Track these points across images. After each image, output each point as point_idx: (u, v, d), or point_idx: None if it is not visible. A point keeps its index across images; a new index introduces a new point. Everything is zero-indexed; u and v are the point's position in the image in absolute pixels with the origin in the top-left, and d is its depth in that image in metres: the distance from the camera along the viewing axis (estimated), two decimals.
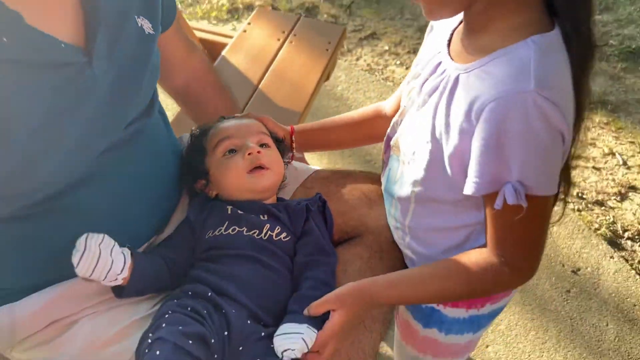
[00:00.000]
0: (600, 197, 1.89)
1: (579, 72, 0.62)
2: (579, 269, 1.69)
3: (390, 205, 0.84)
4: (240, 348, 0.70)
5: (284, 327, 0.69)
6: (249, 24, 1.71)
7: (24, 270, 0.75)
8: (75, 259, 0.67)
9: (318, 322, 0.70)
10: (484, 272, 0.70)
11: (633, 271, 1.67)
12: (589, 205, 1.86)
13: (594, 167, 2.00)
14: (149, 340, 0.65)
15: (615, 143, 2.08)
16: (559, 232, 1.75)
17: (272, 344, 0.68)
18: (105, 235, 0.70)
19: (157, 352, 0.63)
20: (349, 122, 0.97)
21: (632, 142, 2.08)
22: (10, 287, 0.75)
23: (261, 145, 0.84)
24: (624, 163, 2.01)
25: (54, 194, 0.70)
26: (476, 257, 0.71)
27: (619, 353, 1.49)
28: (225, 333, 0.69)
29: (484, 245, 0.72)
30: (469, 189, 0.65)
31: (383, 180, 0.86)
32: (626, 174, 1.98)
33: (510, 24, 0.62)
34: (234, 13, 2.69)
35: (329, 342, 0.70)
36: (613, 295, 1.61)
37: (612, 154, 2.05)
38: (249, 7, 2.68)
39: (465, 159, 0.65)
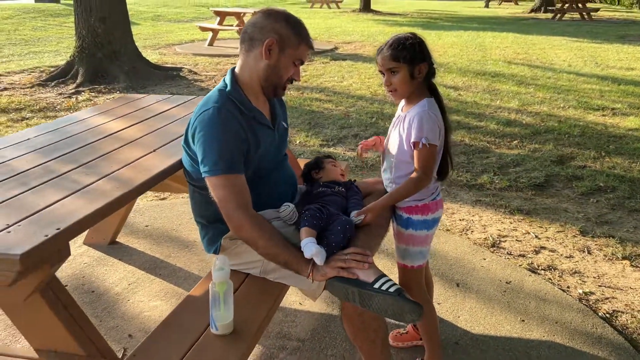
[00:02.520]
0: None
1: (441, 108, 1.83)
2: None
3: (385, 172, 1.95)
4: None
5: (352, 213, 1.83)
6: None
7: (258, 203, 1.72)
8: (282, 210, 1.77)
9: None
10: (415, 178, 1.78)
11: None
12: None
13: None
14: (304, 210, 1.74)
15: None
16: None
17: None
18: (289, 204, 1.79)
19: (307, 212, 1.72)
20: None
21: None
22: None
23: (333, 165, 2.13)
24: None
25: (269, 170, 1.85)
26: (413, 175, 1.80)
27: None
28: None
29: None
30: (414, 140, 1.77)
31: (382, 167, 1.99)
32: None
33: (417, 99, 1.82)
34: None
35: (370, 215, 1.82)
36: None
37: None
38: None
39: (409, 140, 1.79)
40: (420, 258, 1.94)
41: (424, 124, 1.74)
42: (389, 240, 2.30)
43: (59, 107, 6.17)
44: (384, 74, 1.80)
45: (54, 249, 1.28)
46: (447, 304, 2.49)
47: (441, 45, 11.93)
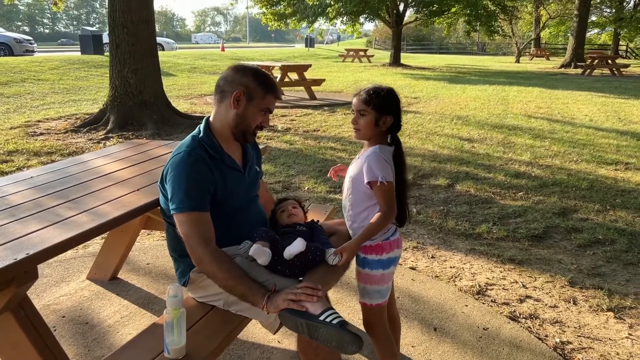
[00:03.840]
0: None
1: (400, 166, 1.98)
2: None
3: (344, 209, 2.08)
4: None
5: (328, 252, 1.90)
6: None
7: (226, 240, 1.90)
8: (242, 247, 1.90)
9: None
10: (382, 214, 1.91)
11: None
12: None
13: None
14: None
15: None
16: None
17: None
18: (248, 241, 1.91)
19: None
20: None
21: None
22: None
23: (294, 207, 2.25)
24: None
25: (237, 209, 2.00)
26: (378, 211, 1.93)
27: None
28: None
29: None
30: (367, 179, 1.91)
31: (342, 208, 2.11)
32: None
33: (373, 144, 1.98)
34: None
35: (346, 255, 1.91)
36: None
37: None
38: None
39: (362, 180, 1.92)
40: (378, 297, 2.03)
41: (377, 164, 1.90)
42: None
43: (87, 151, 6.55)
44: (354, 113, 1.99)
45: (21, 271, 1.44)
46: (421, 348, 2.53)
47: (464, 98, 12.11)
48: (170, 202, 1.82)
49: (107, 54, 20.22)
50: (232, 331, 1.81)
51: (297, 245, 1.80)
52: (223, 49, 32.57)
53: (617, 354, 2.50)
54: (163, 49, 29.18)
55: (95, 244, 3.77)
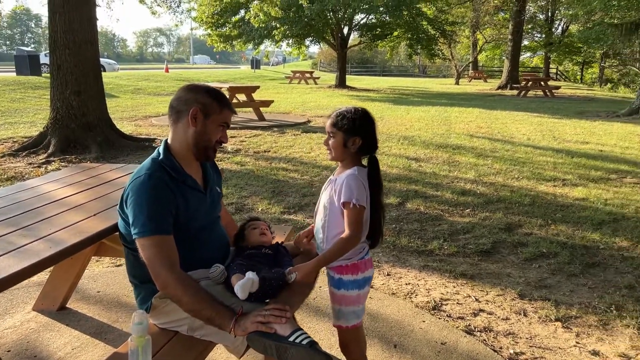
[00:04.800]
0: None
1: (377, 188, 1.99)
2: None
3: (317, 232, 2.07)
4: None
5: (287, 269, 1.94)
6: None
7: (188, 262, 1.86)
8: (213, 271, 1.88)
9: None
10: (344, 238, 1.91)
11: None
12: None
13: None
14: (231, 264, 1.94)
15: None
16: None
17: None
18: (220, 265, 1.92)
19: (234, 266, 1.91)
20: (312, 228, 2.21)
21: None
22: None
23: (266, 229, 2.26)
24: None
25: (199, 231, 1.96)
26: (342, 235, 1.92)
27: None
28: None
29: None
30: (343, 199, 1.93)
31: (315, 230, 2.11)
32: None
33: (350, 165, 2.00)
34: None
35: (299, 274, 1.92)
36: None
37: None
38: None
39: (339, 201, 1.94)
40: (354, 318, 2.03)
41: (352, 186, 1.91)
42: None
43: (27, 176, 6.27)
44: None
45: None
46: None
47: (408, 119, 12.46)
48: (132, 227, 1.78)
49: (45, 75, 19.53)
50: (197, 357, 1.77)
51: (247, 281, 1.76)
52: (167, 70, 32.12)
53: None
54: (104, 70, 28.44)
55: (41, 273, 3.59)
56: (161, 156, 1.91)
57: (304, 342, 1.62)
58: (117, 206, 1.92)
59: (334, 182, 2.01)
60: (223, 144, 2.02)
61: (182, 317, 1.85)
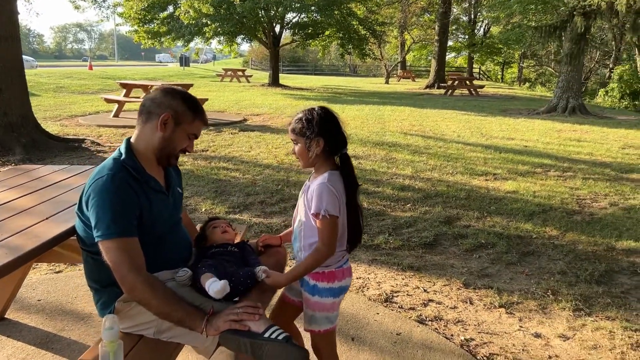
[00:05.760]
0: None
1: (351, 187, 1.91)
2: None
3: (295, 240, 2.01)
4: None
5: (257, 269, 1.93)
6: None
7: (152, 264, 1.78)
8: (181, 275, 1.84)
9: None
10: (316, 251, 1.87)
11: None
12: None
13: None
14: (199, 265, 1.89)
15: None
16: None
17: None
18: (187, 269, 1.88)
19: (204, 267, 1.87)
20: (290, 230, 2.16)
21: None
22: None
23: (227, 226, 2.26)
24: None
25: (163, 233, 1.93)
26: (315, 246, 1.88)
27: None
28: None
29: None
30: (313, 210, 1.86)
31: (292, 236, 2.05)
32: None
33: (322, 170, 1.91)
34: None
35: (270, 280, 1.92)
36: None
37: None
38: None
39: (307, 210, 1.89)
40: (326, 323, 1.98)
41: (322, 196, 1.81)
42: None
43: None
44: None
45: None
46: (342, 358, 2.60)
47: (344, 117, 12.42)
48: (94, 229, 1.72)
49: None
50: (168, 359, 1.74)
51: (222, 288, 1.74)
52: (91, 68, 30.73)
53: (514, 345, 2.78)
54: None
55: None
56: (123, 156, 1.85)
57: (280, 337, 1.63)
58: (75, 208, 1.85)
59: (307, 191, 1.93)
60: (188, 152, 1.98)
61: (149, 320, 1.80)
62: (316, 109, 1.91)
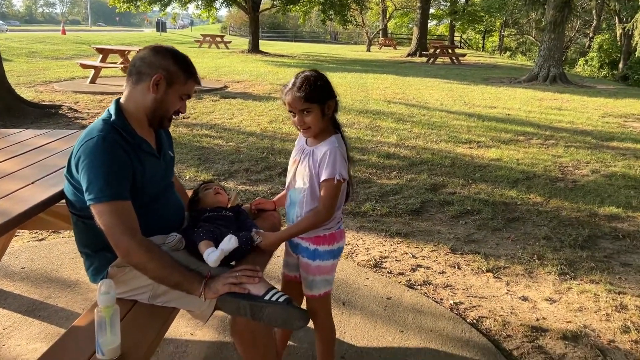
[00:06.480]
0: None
1: (345, 143, 1.90)
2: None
3: (292, 207, 1.95)
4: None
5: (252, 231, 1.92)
6: None
7: (144, 229, 1.72)
8: (170, 240, 1.79)
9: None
10: (317, 213, 1.84)
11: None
12: None
13: None
14: (196, 229, 1.85)
15: None
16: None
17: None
18: (176, 234, 1.82)
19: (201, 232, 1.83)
20: (284, 193, 2.08)
21: None
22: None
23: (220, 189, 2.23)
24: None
25: (155, 196, 1.88)
26: (313, 210, 1.86)
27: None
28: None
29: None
30: (325, 176, 1.80)
31: (287, 202, 2.00)
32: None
33: (326, 134, 1.86)
34: None
35: (265, 241, 1.90)
36: None
37: None
38: None
39: (319, 176, 1.83)
40: (325, 285, 1.98)
41: (337, 160, 1.78)
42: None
43: None
44: (294, 113, 1.83)
45: None
46: (334, 322, 2.62)
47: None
48: (86, 193, 1.66)
49: None
50: (163, 325, 1.71)
51: (232, 243, 1.74)
52: (64, 32, 29.77)
53: (502, 308, 2.82)
54: None
55: None
56: (113, 117, 1.78)
57: (280, 299, 1.61)
58: (64, 171, 1.78)
59: (310, 155, 1.86)
60: (181, 114, 1.91)
61: (143, 285, 1.77)
62: (314, 72, 1.84)
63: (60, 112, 7.92)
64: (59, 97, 9.21)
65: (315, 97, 1.79)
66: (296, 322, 1.60)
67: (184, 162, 5.45)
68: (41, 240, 3.56)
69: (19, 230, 3.52)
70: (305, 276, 1.98)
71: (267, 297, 1.62)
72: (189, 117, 7.79)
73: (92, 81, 10.87)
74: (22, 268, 3.14)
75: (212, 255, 1.69)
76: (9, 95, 7.75)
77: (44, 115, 7.67)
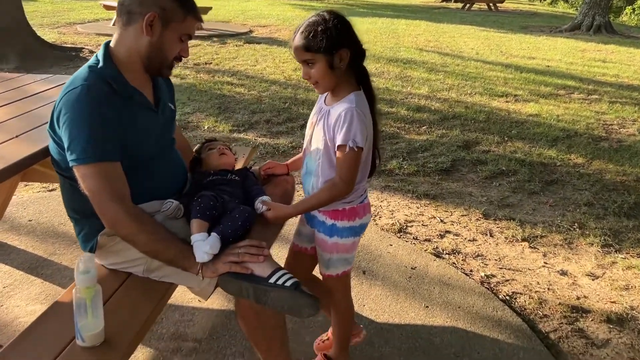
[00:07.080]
0: None
1: (372, 105, 1.58)
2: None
3: (308, 175, 1.69)
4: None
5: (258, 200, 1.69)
6: None
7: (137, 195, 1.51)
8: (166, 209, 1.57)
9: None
10: (331, 186, 1.57)
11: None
12: None
13: None
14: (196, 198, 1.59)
15: None
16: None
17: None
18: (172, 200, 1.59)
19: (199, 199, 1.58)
20: (299, 157, 1.85)
21: None
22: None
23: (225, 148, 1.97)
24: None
25: (151, 157, 1.63)
26: (329, 181, 1.59)
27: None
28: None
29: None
30: (339, 142, 1.51)
31: (303, 170, 1.74)
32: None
33: (345, 91, 1.56)
34: None
35: (272, 213, 1.65)
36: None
37: None
38: None
39: (333, 140, 1.55)
40: (344, 264, 1.73)
41: (352, 124, 1.48)
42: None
43: None
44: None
45: None
46: (353, 293, 2.40)
47: (356, 31, 11.97)
48: (68, 152, 1.44)
49: None
50: (159, 303, 1.52)
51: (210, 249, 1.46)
52: None
53: (538, 283, 2.58)
54: None
55: None
56: (100, 64, 1.53)
57: (287, 283, 1.39)
58: (47, 126, 1.56)
59: (326, 115, 1.57)
60: (183, 58, 1.64)
61: (137, 257, 1.57)
62: (325, 14, 1.49)
63: (81, 54, 7.72)
64: (82, 39, 8.99)
65: (318, 45, 1.46)
66: (305, 309, 1.38)
67: (203, 110, 5.21)
68: (51, 190, 3.42)
69: (30, 182, 3.38)
70: (320, 253, 1.74)
71: (272, 280, 1.40)
72: (211, 63, 7.50)
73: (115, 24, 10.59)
74: (29, 221, 3.00)
75: (199, 250, 1.44)
76: (30, 37, 7.55)
77: (65, 57, 7.48)
